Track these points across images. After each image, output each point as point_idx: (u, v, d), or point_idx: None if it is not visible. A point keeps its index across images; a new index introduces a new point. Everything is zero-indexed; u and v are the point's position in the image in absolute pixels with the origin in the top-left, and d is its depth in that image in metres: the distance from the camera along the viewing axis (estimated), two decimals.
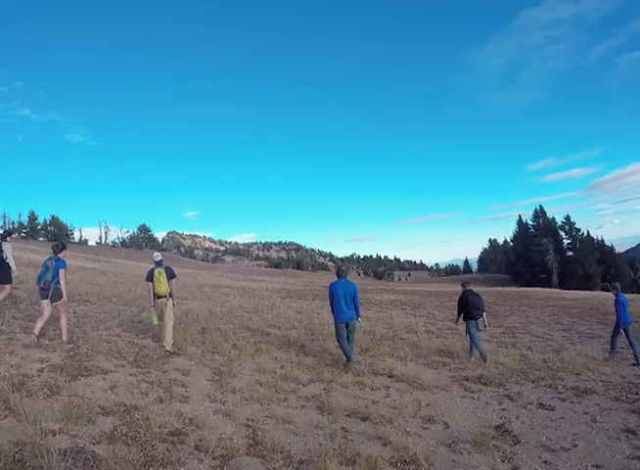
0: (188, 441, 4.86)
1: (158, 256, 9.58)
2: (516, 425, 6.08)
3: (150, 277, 9.25)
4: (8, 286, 10.26)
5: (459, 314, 10.67)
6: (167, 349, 8.85)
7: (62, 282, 8.23)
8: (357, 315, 9.14)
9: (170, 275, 9.20)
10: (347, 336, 9.05)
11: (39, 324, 8.20)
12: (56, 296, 8.16)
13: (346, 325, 9.02)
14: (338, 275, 9.51)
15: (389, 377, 8.39)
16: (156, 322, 9.23)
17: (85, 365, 7.06)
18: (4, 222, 74.42)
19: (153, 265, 9.40)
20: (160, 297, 9.16)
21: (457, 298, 11.12)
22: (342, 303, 8.95)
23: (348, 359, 8.91)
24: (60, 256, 8.49)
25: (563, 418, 6.41)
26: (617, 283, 11.22)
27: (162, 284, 9.08)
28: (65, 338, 8.29)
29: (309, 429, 5.61)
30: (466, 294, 10.56)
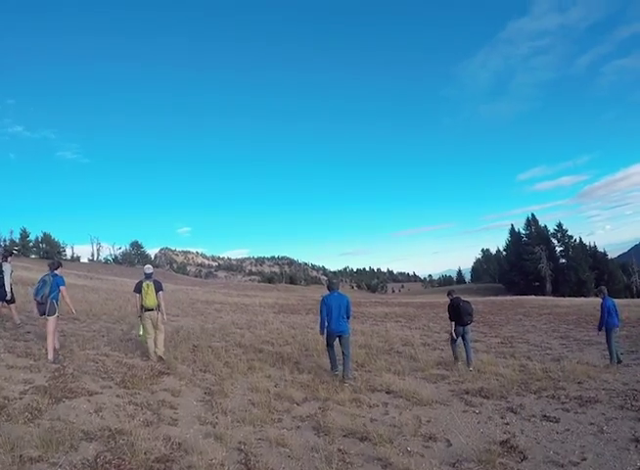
0: (175, 468, 4.58)
1: (149, 268, 9.66)
2: (521, 440, 5.84)
3: (138, 289, 9.34)
4: (12, 305, 10.74)
5: (451, 320, 10.76)
6: (160, 354, 9.22)
7: (67, 298, 8.66)
8: (348, 329, 9.38)
9: (158, 288, 9.34)
10: (342, 351, 9.09)
11: (49, 344, 8.29)
12: (51, 311, 8.36)
13: (339, 338, 9.13)
14: (329, 289, 9.54)
15: (387, 393, 8.10)
16: (141, 333, 9.40)
17: (70, 387, 6.76)
18: None
19: (143, 277, 9.46)
20: (147, 309, 9.23)
21: (447, 306, 11.09)
22: (336, 315, 9.04)
23: (332, 368, 9.29)
24: (56, 272, 8.72)
25: (569, 430, 6.18)
26: (604, 287, 11.40)
27: (150, 297, 9.18)
28: (50, 357, 8.18)
29: (305, 452, 5.34)
30: (456, 301, 10.73)
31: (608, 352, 10.51)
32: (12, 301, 10.84)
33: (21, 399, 5.98)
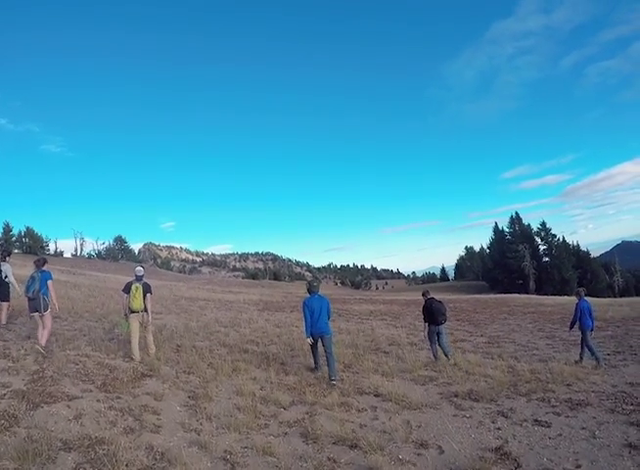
0: None
1: (140, 271, 9.81)
2: (514, 446, 5.71)
3: (127, 289, 9.45)
4: (5, 303, 10.80)
5: (425, 322, 11.09)
6: (152, 354, 9.52)
7: (52, 293, 9.00)
8: (329, 329, 9.49)
9: (146, 290, 9.49)
10: (325, 350, 9.17)
11: (39, 334, 8.78)
12: (45, 306, 8.81)
13: (322, 339, 9.25)
14: (309, 291, 9.64)
15: (376, 396, 7.93)
16: (125, 329, 9.66)
17: (49, 391, 6.49)
18: None
19: (133, 278, 9.65)
20: (133, 311, 9.31)
21: (422, 306, 11.38)
22: (317, 317, 9.19)
23: (316, 368, 9.51)
24: (43, 269, 9.19)
25: (561, 435, 6.05)
26: (582, 289, 11.61)
27: (137, 300, 9.30)
28: (43, 343, 8.61)
29: (293, 461, 5.16)
30: (429, 302, 11.10)
31: (590, 354, 10.48)
32: (6, 299, 10.87)
33: None
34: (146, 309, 9.45)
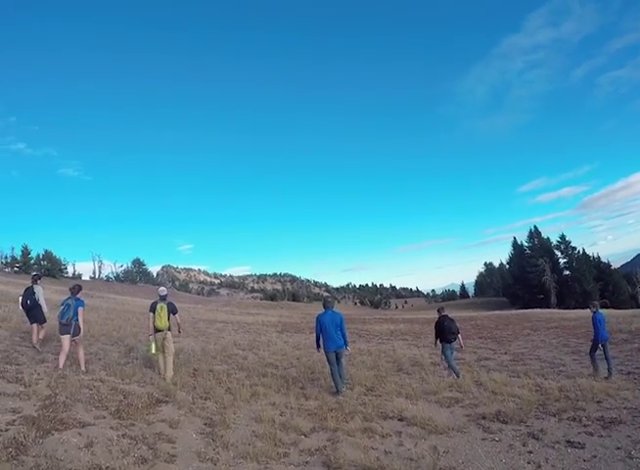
0: None
1: (163, 290, 10.30)
2: None
3: (152, 309, 9.84)
4: (44, 325, 11.18)
5: (436, 337, 11.69)
6: (167, 381, 9.28)
7: (80, 319, 9.42)
8: (345, 344, 9.62)
9: (172, 310, 9.89)
10: (337, 363, 9.49)
11: (62, 358, 9.16)
12: (76, 331, 9.31)
13: (336, 354, 9.47)
14: (324, 307, 9.87)
15: (400, 420, 7.57)
16: (153, 351, 9.70)
17: (61, 417, 6.22)
18: None
19: (157, 298, 10.00)
20: (158, 330, 9.71)
21: (435, 323, 11.93)
22: (332, 332, 9.41)
23: (337, 391, 9.29)
24: (77, 296, 9.64)
25: (596, 457, 5.70)
26: (596, 302, 11.71)
27: (163, 319, 9.68)
28: (83, 368, 9.33)
29: None
30: (442, 319, 11.53)
31: (591, 364, 11.00)
32: (44, 321, 11.20)
33: (6, 430, 5.46)
34: (170, 329, 9.82)
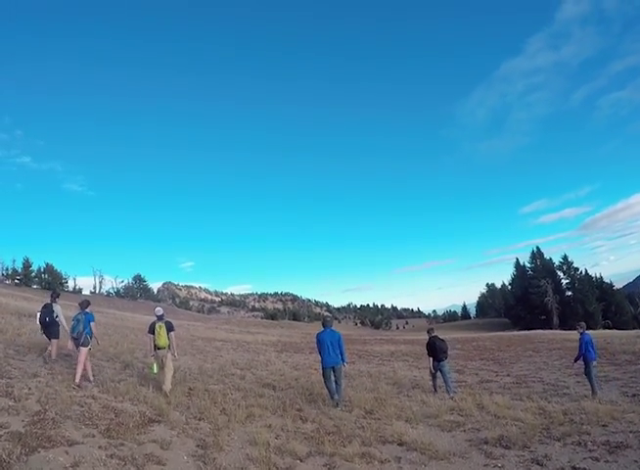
0: None
1: (159, 310, 10.70)
2: None
3: (151, 330, 10.24)
4: (55, 340, 11.45)
5: (429, 356, 12.11)
6: (166, 391, 9.64)
7: (94, 330, 10.25)
8: (343, 361, 10.26)
9: (169, 328, 10.25)
10: (335, 381, 10.14)
11: (78, 370, 9.63)
12: (85, 342, 9.87)
13: (333, 369, 10.10)
14: (324, 325, 10.56)
15: (400, 445, 7.30)
16: (155, 371, 10.06)
17: (49, 434, 5.99)
18: None
19: (155, 318, 10.45)
20: (159, 348, 10.12)
21: (426, 343, 12.56)
22: (330, 350, 10.07)
23: (332, 398, 10.06)
24: (87, 310, 10.32)
25: None
26: (584, 323, 12.22)
27: (162, 337, 10.10)
28: (91, 379, 9.95)
29: None
30: (432, 340, 12.18)
31: (589, 384, 11.05)
32: (56, 337, 11.54)
33: None
34: (170, 347, 10.23)
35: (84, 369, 9.85)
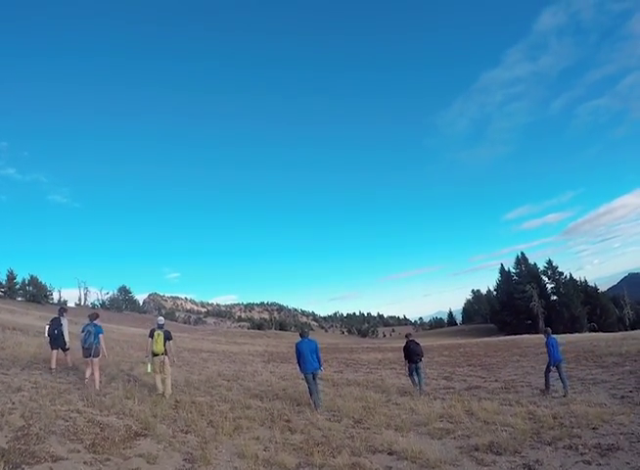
0: None
1: (161, 320, 11.78)
2: None
3: (151, 335, 11.15)
4: (68, 352, 13.07)
5: (405, 359, 13.59)
6: (167, 395, 10.78)
7: (102, 344, 11.06)
8: (320, 366, 11.17)
9: (167, 337, 11.13)
10: (315, 384, 11.01)
11: (88, 372, 11.00)
12: (96, 353, 10.89)
13: (313, 375, 10.98)
14: (301, 336, 11.54)
15: (390, 454, 7.23)
16: (149, 371, 11.15)
17: (33, 450, 5.92)
18: None
19: (155, 326, 11.42)
20: (156, 354, 10.96)
21: (403, 347, 14.00)
22: (309, 357, 10.93)
23: (316, 407, 10.64)
24: (95, 322, 11.16)
25: None
26: (549, 328, 13.83)
27: (159, 344, 10.96)
28: (97, 387, 10.58)
29: None
30: (408, 343, 13.51)
31: (544, 383, 12.53)
32: (68, 349, 13.05)
33: None
34: (166, 353, 11.05)
35: (94, 377, 10.80)
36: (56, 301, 77.82)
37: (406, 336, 14.14)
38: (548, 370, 12.54)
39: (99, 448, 6.43)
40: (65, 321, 12.96)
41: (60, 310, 13.46)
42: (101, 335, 11.02)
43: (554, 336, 13.02)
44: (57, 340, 12.66)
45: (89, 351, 10.78)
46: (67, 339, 12.88)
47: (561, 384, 11.89)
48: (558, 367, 12.12)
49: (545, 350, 12.96)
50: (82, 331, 11.10)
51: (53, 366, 12.37)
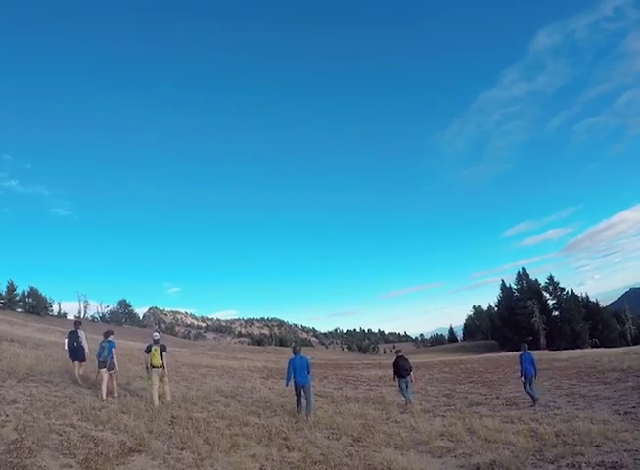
0: None
1: (156, 335, 12.56)
2: None
3: (148, 350, 12.06)
4: (83, 363, 13.60)
5: (395, 374, 14.66)
6: (168, 401, 11.87)
7: (115, 357, 11.94)
8: (309, 380, 12.00)
9: (163, 349, 12.06)
10: (306, 397, 11.76)
11: (103, 388, 11.55)
12: (111, 367, 11.83)
13: (303, 389, 11.76)
14: (294, 352, 12.39)
15: None
16: (147, 383, 12.21)
17: (25, 464, 5.83)
18: None
19: (152, 342, 12.18)
20: (154, 367, 11.81)
21: (392, 362, 15.19)
22: (300, 372, 11.77)
23: (299, 411, 11.68)
24: (109, 338, 12.20)
25: None
26: (526, 344, 14.77)
27: (156, 358, 11.84)
28: (116, 394, 11.92)
29: None
30: (397, 359, 14.66)
31: (531, 397, 13.01)
32: (84, 359, 13.57)
33: None
34: (163, 366, 11.91)
35: (111, 387, 11.86)
36: (55, 313, 77.63)
37: (396, 352, 15.36)
38: (525, 385, 13.15)
39: (92, 464, 6.31)
40: (82, 333, 13.57)
41: (76, 324, 14.16)
42: (114, 349, 12.00)
43: (530, 352, 13.99)
44: (76, 352, 13.32)
45: (104, 363, 11.74)
46: (87, 350, 13.54)
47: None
48: (530, 381, 13.07)
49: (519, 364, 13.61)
50: (98, 346, 12.17)
51: (77, 376, 13.18)
